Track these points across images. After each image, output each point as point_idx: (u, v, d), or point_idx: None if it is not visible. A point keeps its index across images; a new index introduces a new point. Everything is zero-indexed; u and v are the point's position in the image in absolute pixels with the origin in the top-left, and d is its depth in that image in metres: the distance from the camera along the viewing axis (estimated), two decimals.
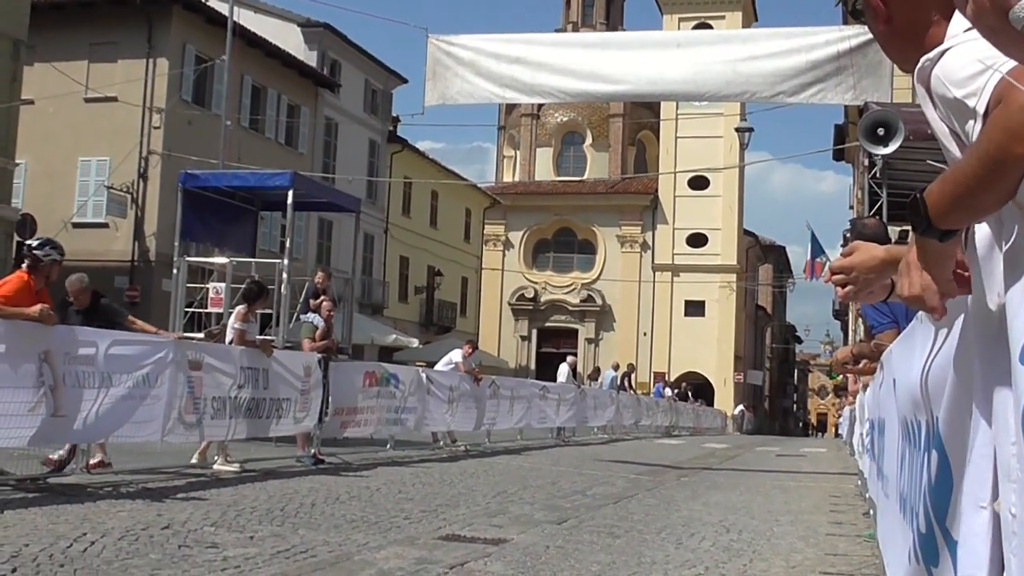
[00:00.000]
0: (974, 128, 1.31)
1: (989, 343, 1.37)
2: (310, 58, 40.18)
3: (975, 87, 1.33)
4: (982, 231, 1.42)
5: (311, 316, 13.62)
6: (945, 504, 1.80)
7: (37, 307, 8.14)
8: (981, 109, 1.32)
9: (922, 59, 1.44)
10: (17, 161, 27.79)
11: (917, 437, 2.54)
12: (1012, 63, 1.30)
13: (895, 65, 1.98)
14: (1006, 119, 1.26)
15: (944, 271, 1.61)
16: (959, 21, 1.49)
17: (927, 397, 2.20)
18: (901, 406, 3.03)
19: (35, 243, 8.96)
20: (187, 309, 16.24)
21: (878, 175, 17.96)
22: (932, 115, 1.47)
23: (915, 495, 2.46)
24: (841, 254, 2.56)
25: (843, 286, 2.55)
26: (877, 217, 15.58)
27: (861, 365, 6.14)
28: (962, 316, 1.65)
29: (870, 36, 14.53)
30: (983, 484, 1.34)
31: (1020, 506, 1.23)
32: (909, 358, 2.71)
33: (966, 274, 1.64)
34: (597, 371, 33.73)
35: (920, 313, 2.53)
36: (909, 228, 1.66)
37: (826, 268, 39.58)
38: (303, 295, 15.44)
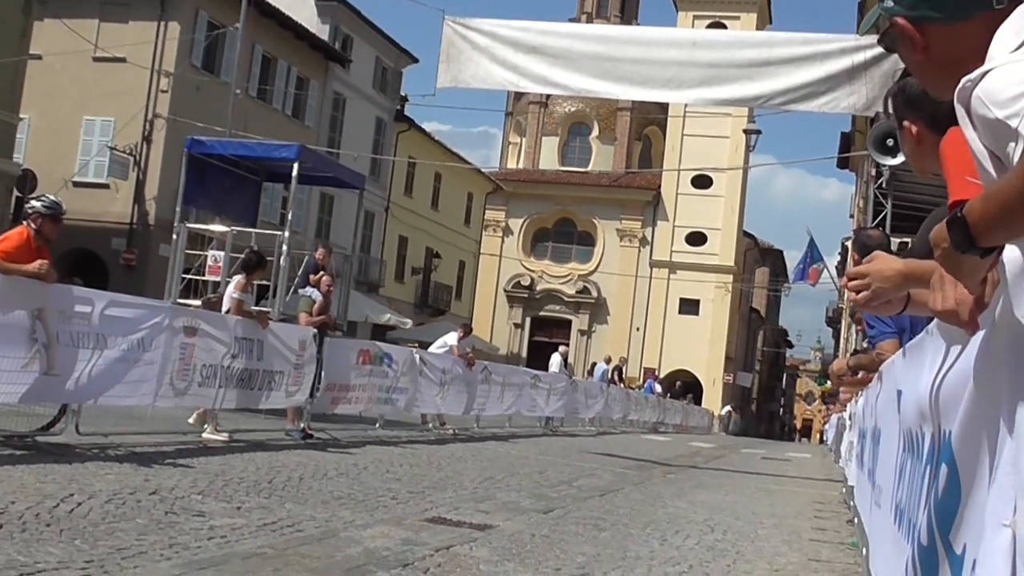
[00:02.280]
0: (1015, 149, 1.30)
1: (1018, 360, 1.36)
2: (322, 31, 40.07)
3: (1018, 108, 1.32)
4: (1013, 248, 1.41)
5: (309, 290, 13.60)
6: (951, 518, 1.79)
7: (36, 263, 8.11)
8: None
9: (963, 80, 1.43)
10: (21, 116, 27.73)
11: (920, 450, 2.53)
12: None
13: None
14: None
15: (978, 286, 1.60)
16: (1001, 43, 1.47)
17: (935, 410, 2.19)
18: (905, 417, 3.03)
19: (38, 200, 8.92)
20: (184, 276, 16.18)
21: (884, 186, 17.98)
22: (971, 136, 1.46)
23: (915, 507, 2.45)
24: (862, 261, 2.56)
25: (857, 292, 2.55)
26: (881, 228, 15.58)
27: (859, 376, 6.14)
28: (982, 332, 1.64)
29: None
30: (1006, 502, 1.33)
31: None
32: (917, 370, 2.70)
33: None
34: (594, 367, 33.76)
35: (931, 325, 2.53)
36: (908, 240, 1.66)
37: (822, 274, 39.77)
38: (302, 269, 15.41)
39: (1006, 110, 1.33)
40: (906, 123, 2.69)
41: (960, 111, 1.46)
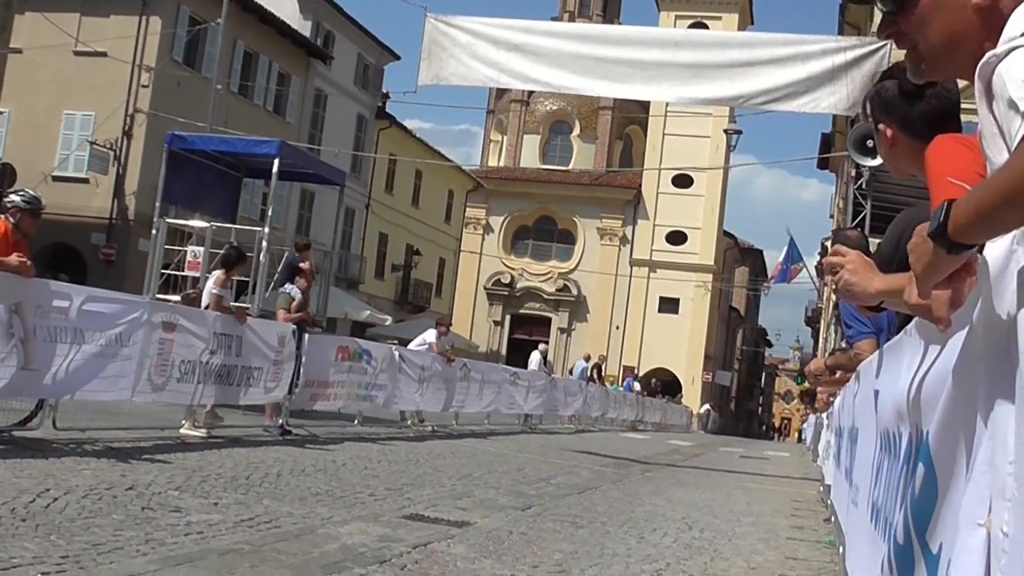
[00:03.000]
0: (1020, 130, 1.30)
1: (996, 361, 1.37)
2: (304, 27, 39.95)
3: None
4: (994, 249, 1.42)
5: (289, 287, 13.57)
6: (927, 517, 1.80)
7: (15, 257, 8.06)
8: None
9: (988, 54, 1.42)
10: (1, 110, 27.57)
11: (897, 449, 2.54)
12: None
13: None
14: None
15: (928, 291, 1.63)
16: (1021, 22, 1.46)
17: (913, 410, 2.21)
18: (882, 417, 3.04)
19: (17, 194, 8.86)
20: (163, 271, 16.11)
21: (864, 186, 18.05)
22: (984, 112, 1.46)
23: (891, 506, 2.47)
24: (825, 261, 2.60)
25: (833, 272, 2.57)
26: (859, 229, 15.65)
27: (837, 376, 6.16)
28: (963, 331, 1.65)
29: (866, 49, 14.59)
30: (981, 502, 1.34)
31: (1013, 525, 1.23)
32: (895, 370, 2.72)
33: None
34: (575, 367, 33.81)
35: (910, 326, 2.54)
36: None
37: (801, 273, 39.88)
38: (281, 265, 15.36)
39: (1021, 91, 1.33)
40: (881, 126, 2.72)
41: (979, 86, 1.46)
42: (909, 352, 2.47)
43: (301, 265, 14.04)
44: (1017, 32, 1.41)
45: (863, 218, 18.34)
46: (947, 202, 1.47)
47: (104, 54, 30.80)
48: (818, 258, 45.75)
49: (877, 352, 3.66)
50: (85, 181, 31.49)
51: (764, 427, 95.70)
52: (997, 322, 1.37)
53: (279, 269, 15.55)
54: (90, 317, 8.99)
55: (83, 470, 7.33)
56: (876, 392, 3.29)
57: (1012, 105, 1.33)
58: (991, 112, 1.43)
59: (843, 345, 7.29)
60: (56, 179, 30.56)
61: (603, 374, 36.33)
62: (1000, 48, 1.41)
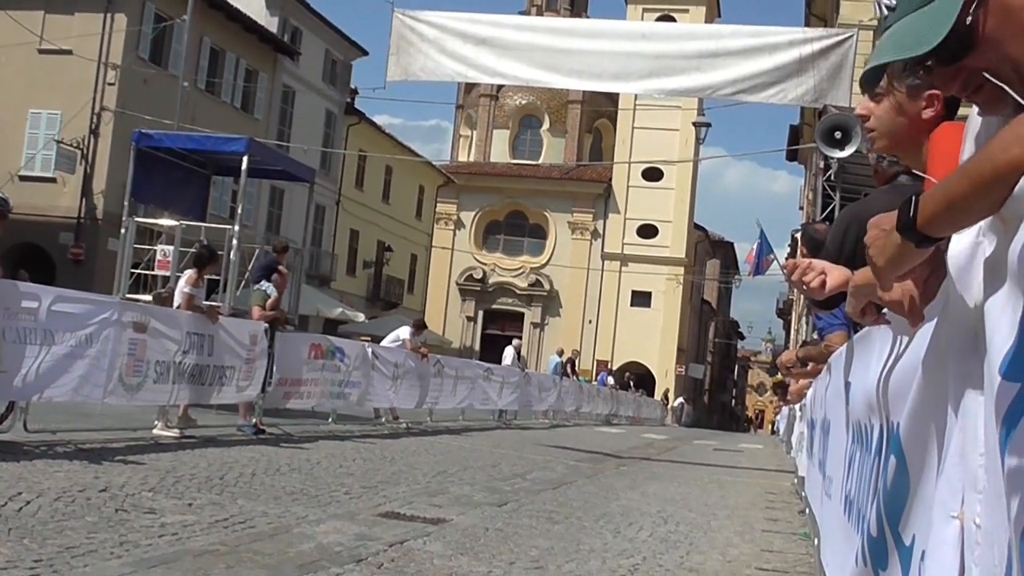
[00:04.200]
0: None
1: (965, 352, 1.38)
2: (271, 24, 39.73)
3: None
4: (961, 241, 1.43)
5: (265, 284, 13.50)
6: (900, 509, 1.82)
7: None
8: None
9: None
10: None
11: (869, 441, 2.56)
12: None
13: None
14: None
15: (890, 282, 1.64)
16: None
17: (884, 402, 2.22)
18: (854, 409, 3.06)
19: None
20: (133, 270, 16.03)
21: (832, 178, 18.15)
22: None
23: (864, 498, 2.48)
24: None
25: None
26: (827, 223, 15.72)
27: (808, 368, 6.19)
28: (931, 323, 1.66)
29: (832, 40, 14.68)
30: (954, 494, 1.35)
31: (985, 516, 1.25)
32: (866, 362, 2.74)
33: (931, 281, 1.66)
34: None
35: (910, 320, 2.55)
36: None
37: (773, 265, 40.15)
38: (252, 262, 15.29)
39: None
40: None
41: None
42: (879, 344, 2.49)
43: (279, 267, 14.00)
44: None
45: (832, 209, 18.44)
46: (913, 196, 1.49)
47: (69, 52, 30.53)
48: (788, 250, 45.94)
49: (847, 344, 3.68)
50: (52, 180, 31.22)
51: (738, 419, 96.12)
52: (965, 314, 1.39)
53: (252, 267, 15.48)
54: (59, 318, 8.92)
55: (55, 472, 7.27)
56: (848, 384, 3.31)
57: None
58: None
59: (814, 337, 7.34)
60: (23, 179, 30.31)
61: (577, 368, 36.37)
62: None
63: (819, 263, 2.71)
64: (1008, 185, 1.23)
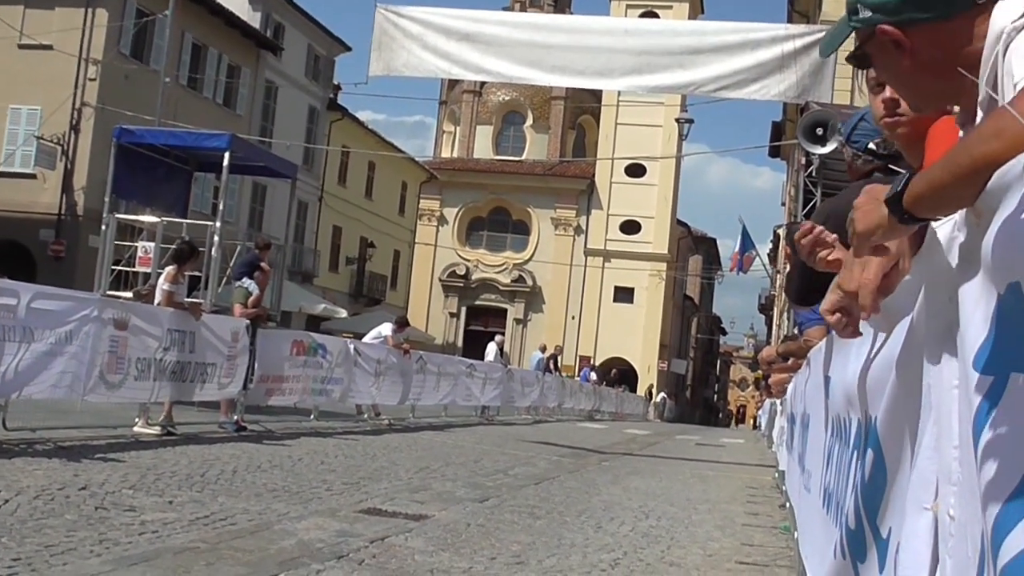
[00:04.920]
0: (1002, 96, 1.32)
1: (940, 346, 1.39)
2: (254, 19, 39.61)
3: None
4: (938, 233, 1.44)
5: (247, 281, 13.45)
6: (877, 502, 1.82)
7: None
8: (1009, 96, 1.31)
9: (1012, 22, 1.41)
10: None
11: (847, 435, 2.56)
12: None
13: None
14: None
15: (868, 249, 1.65)
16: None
17: (862, 396, 2.23)
18: (832, 403, 3.07)
19: None
20: (114, 267, 15.93)
21: (814, 174, 18.19)
22: (985, 78, 1.46)
23: (842, 491, 2.49)
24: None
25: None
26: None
27: (789, 363, 6.21)
28: (908, 318, 1.66)
29: (815, 37, 14.71)
30: (927, 486, 1.35)
31: (959, 508, 1.25)
32: (844, 357, 2.74)
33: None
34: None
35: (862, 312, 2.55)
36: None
37: (755, 261, 40.12)
38: (234, 259, 15.22)
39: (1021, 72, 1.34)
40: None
41: (995, 52, 1.45)
42: (857, 339, 2.49)
43: (262, 265, 13.94)
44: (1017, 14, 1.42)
45: (813, 205, 18.47)
46: (908, 172, 1.50)
47: (50, 47, 30.34)
48: (770, 246, 46.09)
49: (826, 339, 3.69)
50: (32, 176, 31.05)
51: (720, 414, 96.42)
52: (940, 307, 1.39)
53: (233, 264, 15.42)
54: (39, 315, 8.87)
55: (35, 470, 7.24)
56: (827, 378, 3.32)
57: (1007, 82, 1.35)
58: (990, 78, 1.44)
59: (795, 332, 7.36)
60: (2, 175, 30.16)
61: (559, 364, 36.40)
62: (1021, 21, 1.40)
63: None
64: (984, 178, 1.23)
